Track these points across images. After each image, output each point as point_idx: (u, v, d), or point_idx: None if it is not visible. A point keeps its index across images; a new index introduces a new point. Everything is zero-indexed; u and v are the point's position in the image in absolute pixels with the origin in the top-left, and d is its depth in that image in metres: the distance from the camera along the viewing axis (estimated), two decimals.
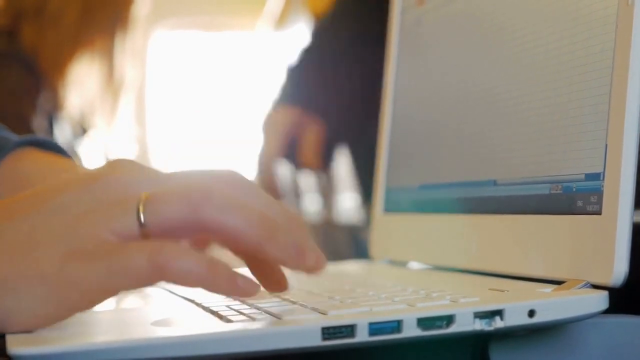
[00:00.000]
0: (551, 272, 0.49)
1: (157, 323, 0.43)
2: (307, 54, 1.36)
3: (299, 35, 1.88)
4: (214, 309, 0.46)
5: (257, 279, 0.46)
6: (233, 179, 0.45)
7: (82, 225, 0.41)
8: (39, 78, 1.41)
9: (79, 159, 1.50)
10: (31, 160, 0.61)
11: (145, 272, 0.40)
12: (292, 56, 1.39)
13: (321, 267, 0.44)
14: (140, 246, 0.40)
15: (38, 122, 1.38)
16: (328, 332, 0.39)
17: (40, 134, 1.36)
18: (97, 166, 0.46)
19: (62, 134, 1.46)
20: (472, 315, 0.41)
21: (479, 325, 0.41)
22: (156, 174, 0.45)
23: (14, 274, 0.40)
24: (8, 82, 1.38)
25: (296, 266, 0.43)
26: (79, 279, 0.40)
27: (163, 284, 0.42)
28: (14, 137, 0.64)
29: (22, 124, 1.34)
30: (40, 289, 0.40)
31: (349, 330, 0.39)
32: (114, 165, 0.44)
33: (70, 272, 0.40)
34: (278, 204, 0.45)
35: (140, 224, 0.41)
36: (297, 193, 1.50)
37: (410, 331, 0.40)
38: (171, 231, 0.42)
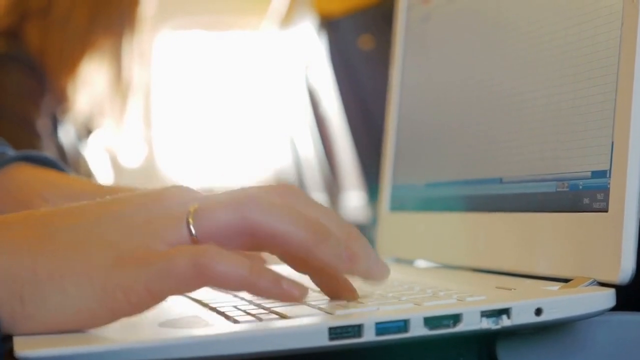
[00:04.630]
0: (558, 270, 0.49)
1: (164, 324, 0.43)
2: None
3: (304, 34, 1.88)
4: (221, 309, 0.46)
5: (321, 288, 0.47)
6: (286, 190, 0.45)
7: (134, 235, 0.42)
8: (44, 79, 1.41)
9: (84, 162, 1.50)
10: (26, 175, 0.62)
11: (188, 275, 0.40)
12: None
13: (381, 275, 0.44)
14: (184, 249, 0.41)
15: (43, 124, 1.38)
16: (335, 332, 0.39)
17: (44, 136, 1.36)
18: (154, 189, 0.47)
19: (66, 135, 1.46)
20: (479, 314, 0.41)
21: (486, 324, 0.41)
22: (209, 193, 0.45)
23: (64, 271, 0.41)
24: (13, 83, 1.38)
25: (347, 271, 0.43)
26: (124, 281, 0.40)
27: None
28: (9, 151, 0.65)
29: (26, 126, 1.35)
30: (88, 287, 0.40)
31: (356, 330, 0.39)
32: (169, 188, 0.45)
33: (117, 274, 0.41)
34: (334, 214, 0.45)
35: (191, 234, 0.42)
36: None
37: (417, 330, 0.40)
38: (221, 239, 0.42)
